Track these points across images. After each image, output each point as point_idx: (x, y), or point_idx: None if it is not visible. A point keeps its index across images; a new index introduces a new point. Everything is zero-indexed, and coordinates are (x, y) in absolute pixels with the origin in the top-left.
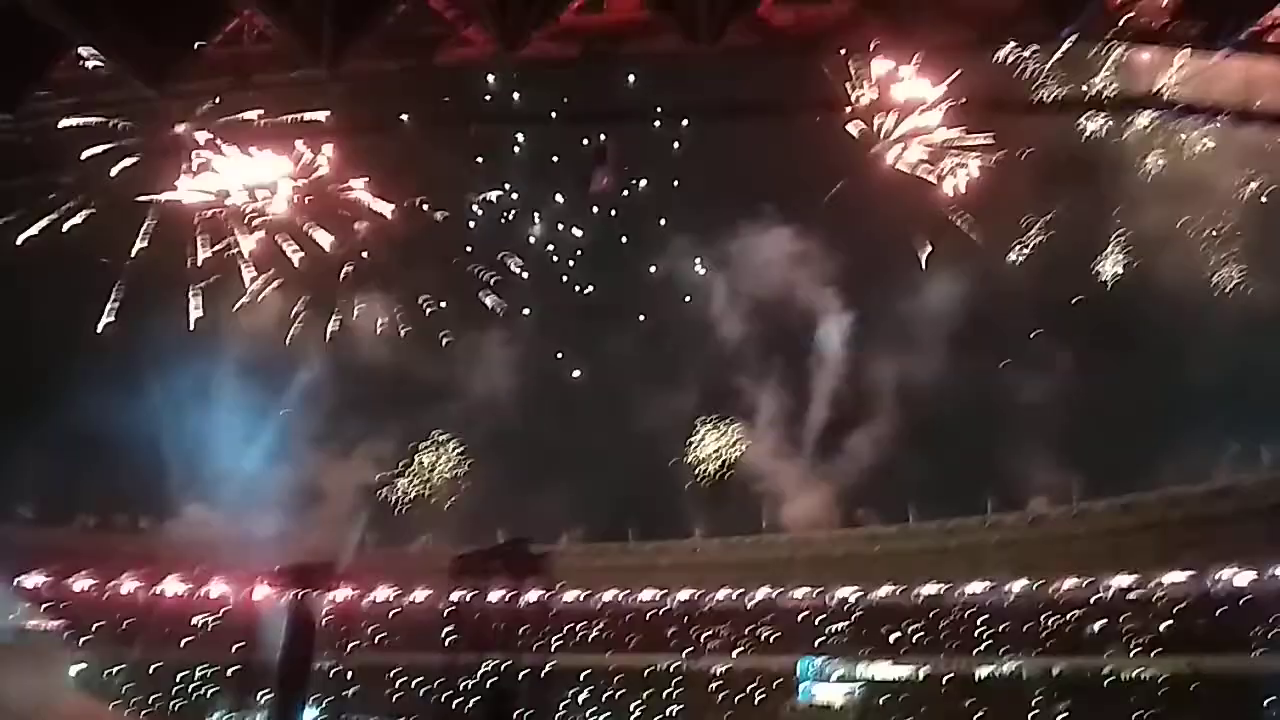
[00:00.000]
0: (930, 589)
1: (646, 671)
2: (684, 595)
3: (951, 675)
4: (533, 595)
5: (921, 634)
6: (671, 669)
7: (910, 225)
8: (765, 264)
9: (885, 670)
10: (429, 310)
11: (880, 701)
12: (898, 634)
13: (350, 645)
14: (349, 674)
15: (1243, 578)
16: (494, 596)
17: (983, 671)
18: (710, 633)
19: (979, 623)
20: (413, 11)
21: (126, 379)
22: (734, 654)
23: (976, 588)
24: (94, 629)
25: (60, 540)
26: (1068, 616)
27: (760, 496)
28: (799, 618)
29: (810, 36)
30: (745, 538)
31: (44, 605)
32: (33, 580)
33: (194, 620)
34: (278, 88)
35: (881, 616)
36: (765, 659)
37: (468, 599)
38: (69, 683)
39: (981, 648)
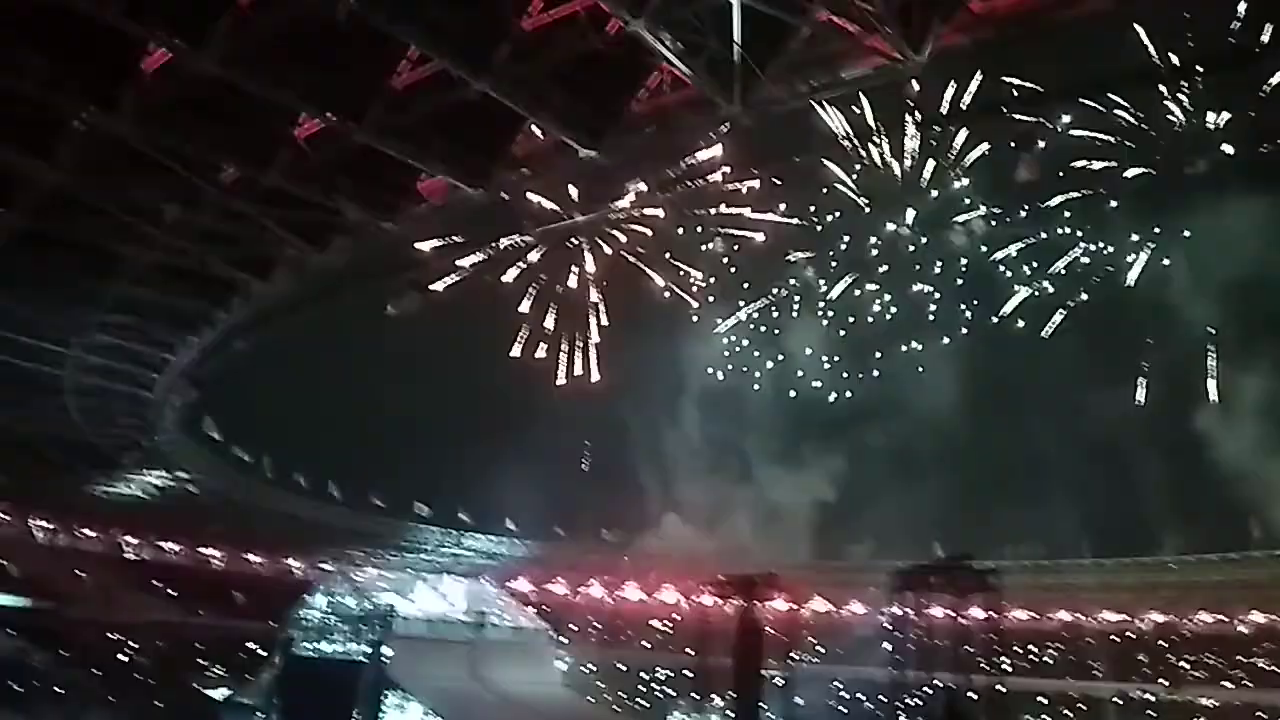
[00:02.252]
0: None
1: (1114, 699)
2: (1155, 618)
3: None
4: (978, 614)
5: None
6: (1142, 698)
7: None
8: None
9: None
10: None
11: None
12: None
13: (793, 654)
14: (795, 682)
15: None
16: (937, 613)
17: None
18: (1192, 660)
19: None
20: (817, 33)
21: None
22: (1225, 685)
23: None
24: (570, 630)
25: (540, 552)
26: None
27: (1247, 504)
28: None
29: None
30: (1229, 553)
31: (530, 607)
32: (520, 585)
33: (651, 623)
34: (695, 129)
35: None
36: (1264, 693)
37: (910, 614)
38: (559, 678)
39: None
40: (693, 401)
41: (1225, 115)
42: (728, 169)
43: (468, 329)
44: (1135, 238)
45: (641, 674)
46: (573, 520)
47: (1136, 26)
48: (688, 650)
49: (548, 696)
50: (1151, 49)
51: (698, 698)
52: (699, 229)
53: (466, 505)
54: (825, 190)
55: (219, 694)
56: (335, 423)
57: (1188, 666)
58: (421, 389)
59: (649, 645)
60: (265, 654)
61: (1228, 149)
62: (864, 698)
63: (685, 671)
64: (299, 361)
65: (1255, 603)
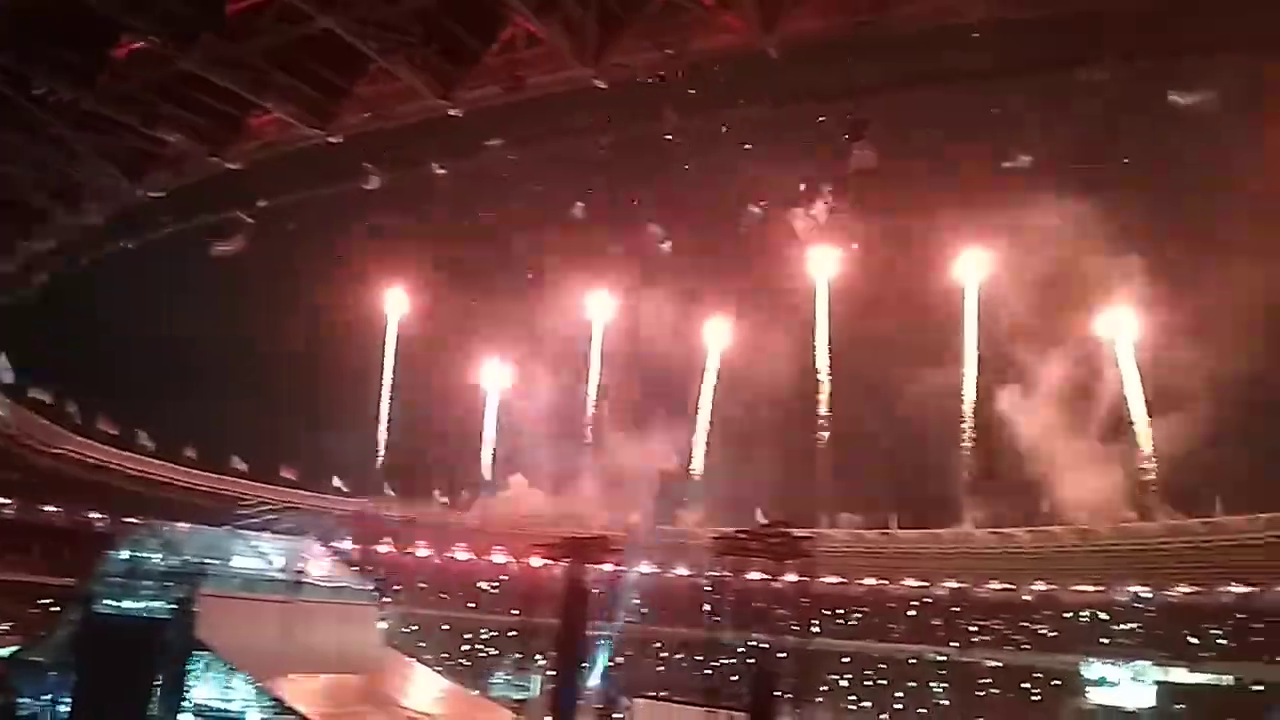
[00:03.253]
0: (1237, 589)
1: (910, 661)
2: (950, 584)
3: (1262, 684)
4: (792, 578)
5: (1226, 639)
6: (937, 660)
7: None
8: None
9: (1182, 675)
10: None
11: (1179, 708)
12: (1196, 638)
13: (620, 616)
14: (617, 643)
15: None
16: (754, 577)
17: None
18: (980, 626)
19: None
20: (674, 1)
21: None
22: (1007, 649)
23: None
24: (395, 590)
25: (366, 509)
26: None
27: (1039, 483)
28: (1081, 615)
29: None
30: (1021, 528)
31: (354, 567)
32: (344, 544)
33: (478, 585)
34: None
35: (1178, 618)
36: (1042, 656)
37: (728, 577)
38: (380, 637)
39: None
40: (545, 366)
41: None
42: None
43: (303, 276)
44: None
45: (466, 634)
46: (403, 480)
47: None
48: (514, 611)
49: (366, 656)
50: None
51: (521, 656)
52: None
53: (290, 461)
54: None
55: (5, 651)
56: (150, 369)
57: (977, 630)
58: (245, 339)
59: (475, 606)
60: (60, 610)
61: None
62: (682, 657)
63: (511, 632)
64: (110, 301)
65: (1039, 573)
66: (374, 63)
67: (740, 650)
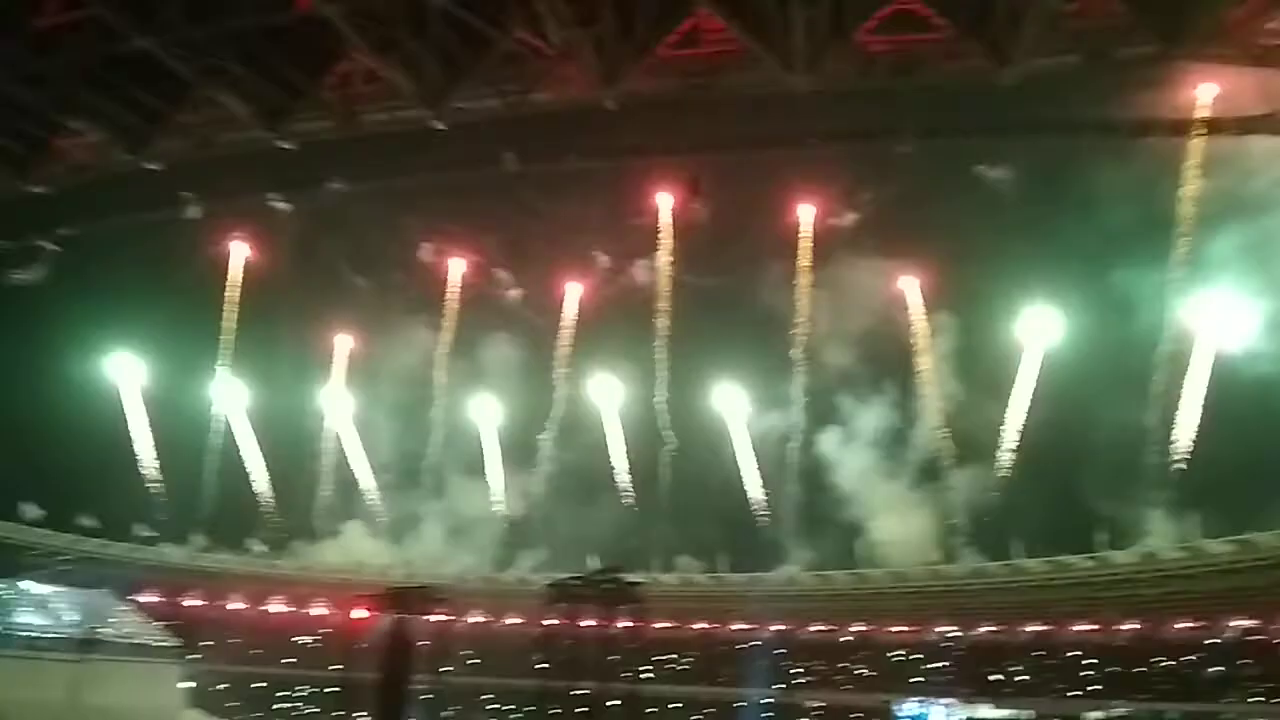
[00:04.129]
0: (1035, 628)
1: (738, 705)
2: (777, 628)
3: (1056, 718)
4: (625, 624)
5: (1026, 675)
6: (763, 703)
7: None
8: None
9: (986, 712)
10: None
11: None
12: (1000, 675)
13: (445, 668)
14: (443, 696)
15: None
16: (586, 624)
17: (1091, 715)
18: (804, 667)
19: (1086, 665)
20: (516, 50)
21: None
22: (828, 689)
23: (1084, 628)
24: (202, 646)
25: (174, 559)
26: (1181, 660)
27: (858, 529)
28: (896, 655)
29: (909, 65)
30: (840, 571)
31: (158, 621)
32: (147, 597)
33: (296, 639)
34: (386, 127)
35: (983, 656)
36: (860, 695)
37: (560, 626)
38: (181, 697)
39: (1089, 691)
40: (386, 414)
41: None
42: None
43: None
44: None
45: (281, 692)
46: (220, 528)
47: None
48: (335, 665)
49: (165, 718)
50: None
51: (341, 713)
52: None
53: (88, 508)
54: None
55: None
56: None
57: (801, 671)
58: (39, 372)
59: (294, 660)
60: None
61: None
62: (513, 708)
63: (330, 688)
64: None
65: (858, 615)
66: (196, 89)
67: (571, 699)
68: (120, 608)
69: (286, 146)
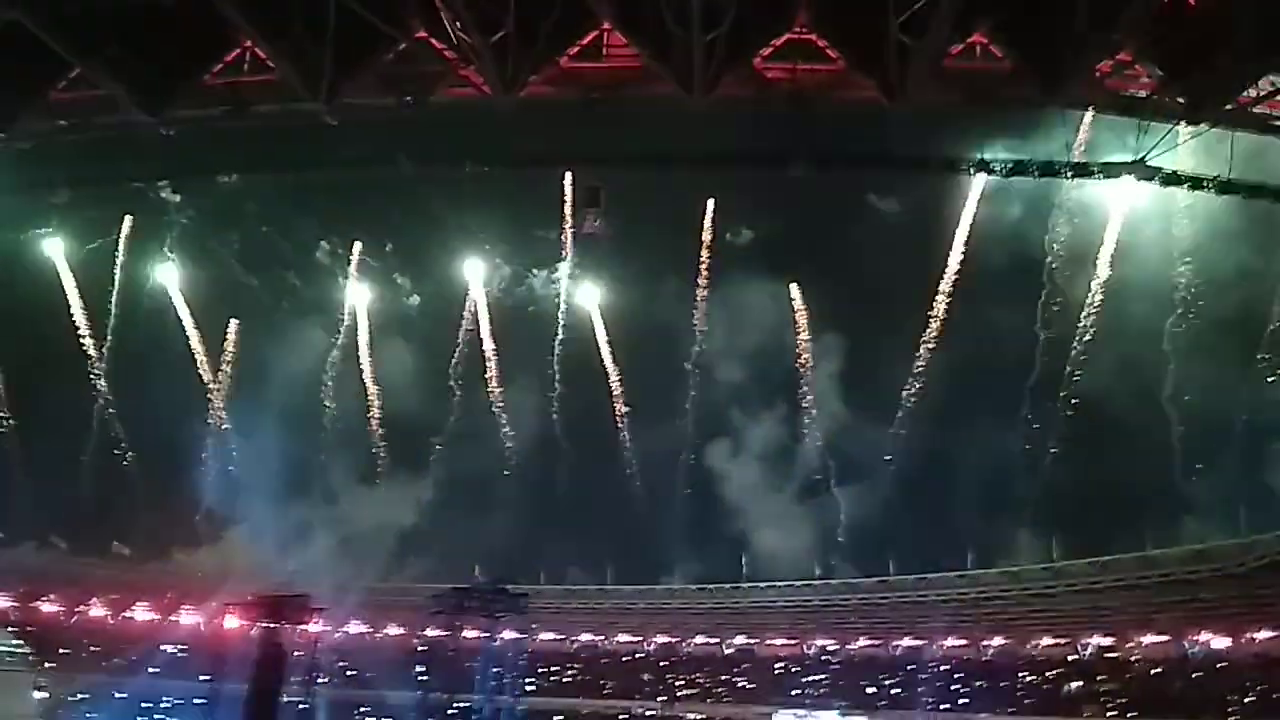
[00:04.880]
0: (907, 643)
1: (620, 717)
2: (660, 640)
3: None
4: (508, 635)
5: (898, 688)
6: (646, 715)
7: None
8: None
9: None
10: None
11: None
12: (874, 687)
13: (320, 679)
14: (316, 709)
15: (1219, 642)
16: (469, 635)
17: None
18: (686, 679)
19: (955, 678)
20: (413, 49)
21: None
22: (709, 701)
23: (954, 643)
24: (60, 654)
25: (28, 562)
26: (1045, 675)
27: (740, 543)
28: (776, 667)
29: (803, 93)
30: (724, 585)
31: (8, 627)
32: None
33: (162, 648)
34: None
35: (858, 669)
36: (741, 708)
37: (442, 637)
38: (34, 707)
39: (957, 703)
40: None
41: None
42: None
43: None
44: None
45: (145, 703)
46: (77, 531)
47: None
48: (202, 676)
49: None
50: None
51: None
52: None
53: None
54: None
55: None
56: None
57: (683, 684)
58: None
59: (157, 670)
60: None
61: None
62: None
63: (196, 699)
64: None
65: (741, 627)
66: (71, 66)
67: (451, 712)
68: None
69: (166, 132)
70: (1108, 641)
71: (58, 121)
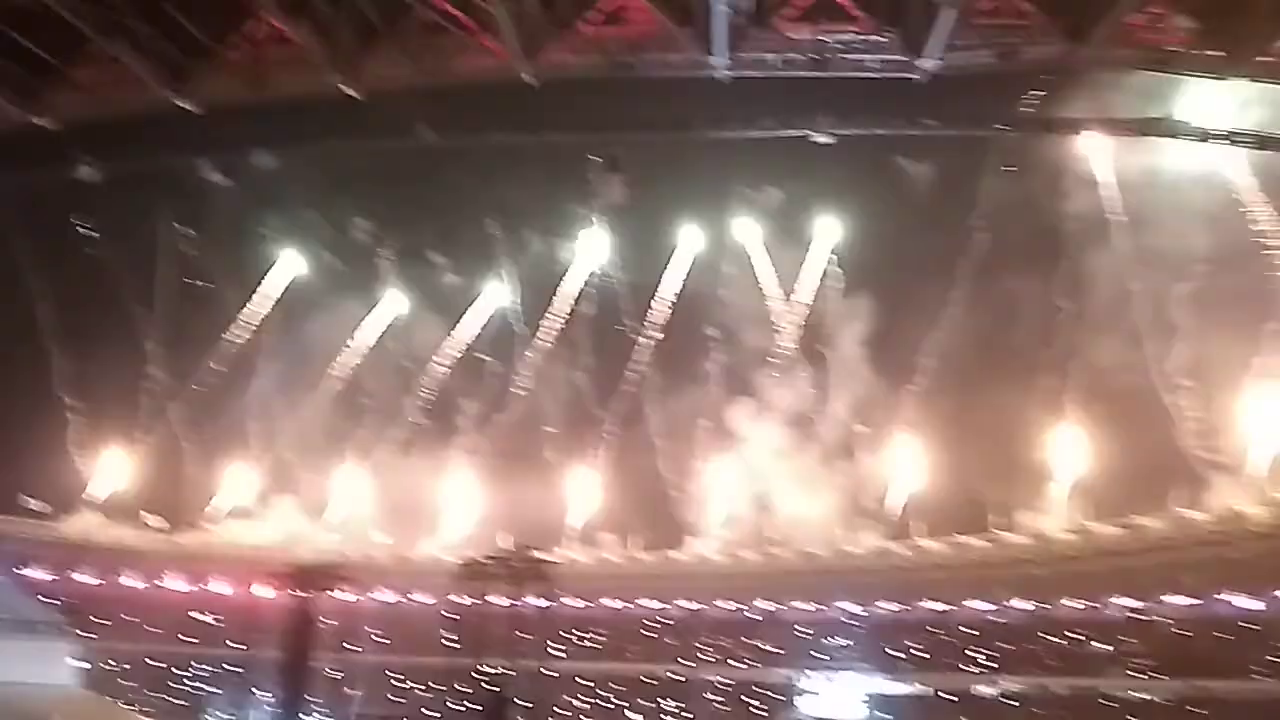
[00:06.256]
0: (932, 606)
1: (645, 680)
2: (686, 605)
3: (952, 693)
4: (534, 601)
5: (922, 651)
6: (670, 678)
7: None
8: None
9: (885, 686)
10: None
11: (882, 717)
12: (899, 651)
13: (351, 647)
14: (348, 676)
15: (1245, 602)
16: (495, 601)
17: (983, 690)
18: (710, 644)
19: (979, 642)
20: (433, 20)
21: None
22: (733, 665)
23: (978, 606)
24: (95, 624)
25: (66, 533)
26: (1069, 637)
27: (765, 507)
28: (799, 631)
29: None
30: (748, 550)
31: (42, 597)
32: (35, 573)
33: (195, 617)
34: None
35: (883, 633)
36: (765, 671)
37: (469, 603)
38: (73, 678)
39: (981, 667)
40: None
41: None
42: None
43: None
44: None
45: (179, 671)
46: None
47: None
48: (235, 644)
49: (53, 700)
50: None
51: (240, 693)
52: None
53: None
54: None
55: None
56: None
57: (707, 648)
58: None
59: (193, 639)
60: None
61: None
62: (419, 686)
63: (230, 666)
64: None
65: (765, 592)
66: (94, 44)
67: (479, 677)
68: (5, 583)
69: (189, 108)
70: (1134, 604)
71: (82, 100)
